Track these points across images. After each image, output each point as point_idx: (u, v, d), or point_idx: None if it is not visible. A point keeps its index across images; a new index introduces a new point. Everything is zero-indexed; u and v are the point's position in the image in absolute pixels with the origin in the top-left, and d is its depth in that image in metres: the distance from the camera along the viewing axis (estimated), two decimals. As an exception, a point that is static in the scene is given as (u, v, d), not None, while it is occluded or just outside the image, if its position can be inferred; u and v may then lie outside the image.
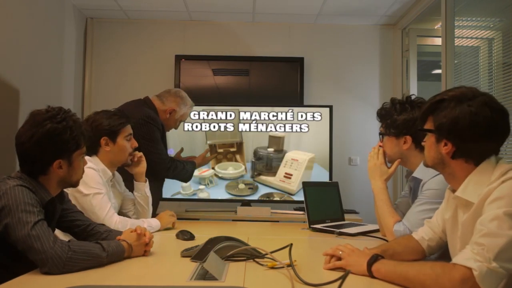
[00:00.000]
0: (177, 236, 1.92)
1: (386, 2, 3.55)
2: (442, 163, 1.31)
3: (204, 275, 1.25)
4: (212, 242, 1.47)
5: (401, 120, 1.91)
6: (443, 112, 1.27)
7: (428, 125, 1.33)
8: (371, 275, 1.26)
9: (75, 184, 1.56)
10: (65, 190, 1.60)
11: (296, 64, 3.91)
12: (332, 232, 2.13)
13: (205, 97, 3.79)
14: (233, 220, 3.07)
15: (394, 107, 1.94)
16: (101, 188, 1.96)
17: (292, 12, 3.79)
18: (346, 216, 2.57)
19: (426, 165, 1.40)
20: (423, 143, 1.40)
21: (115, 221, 1.92)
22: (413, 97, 1.96)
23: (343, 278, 1.16)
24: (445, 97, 1.29)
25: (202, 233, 2.00)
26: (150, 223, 2.12)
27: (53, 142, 1.42)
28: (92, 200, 1.91)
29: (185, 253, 1.51)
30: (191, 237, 1.90)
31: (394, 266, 1.23)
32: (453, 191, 1.33)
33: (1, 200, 1.33)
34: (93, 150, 2.06)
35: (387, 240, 1.94)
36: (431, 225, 1.52)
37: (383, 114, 1.98)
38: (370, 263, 1.27)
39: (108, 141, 2.06)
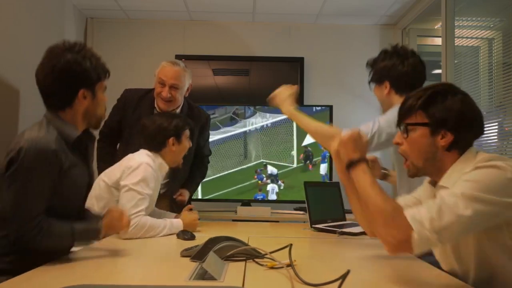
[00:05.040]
0: (178, 235, 1.92)
1: (386, 2, 3.55)
2: (433, 158, 1.28)
3: (203, 275, 1.25)
4: (212, 242, 1.46)
5: (381, 66, 1.97)
6: (442, 105, 1.26)
7: (417, 120, 1.29)
8: (347, 173, 1.35)
9: (99, 119, 1.57)
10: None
11: (296, 64, 3.91)
12: (334, 232, 2.13)
13: (205, 97, 3.79)
14: (233, 220, 3.07)
15: (379, 56, 2.00)
16: (144, 189, 1.95)
17: (292, 12, 3.79)
18: (347, 216, 2.57)
19: (414, 172, 1.33)
20: (405, 137, 1.32)
21: (135, 221, 1.86)
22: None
23: (343, 278, 1.15)
24: (435, 90, 1.29)
25: (202, 233, 2.00)
26: (172, 224, 2.03)
27: (75, 71, 1.44)
28: (124, 195, 1.92)
29: (185, 253, 1.51)
30: (191, 237, 1.89)
31: (366, 183, 1.26)
32: (434, 183, 1.32)
33: (14, 161, 1.32)
34: (156, 148, 2.12)
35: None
36: (413, 195, 1.48)
37: (369, 63, 2.04)
38: (351, 164, 1.33)
39: (175, 141, 2.15)
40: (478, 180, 1.13)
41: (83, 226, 1.45)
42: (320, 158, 3.43)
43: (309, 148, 3.43)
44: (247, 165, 3.44)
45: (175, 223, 2.05)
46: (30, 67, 2.99)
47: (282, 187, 3.41)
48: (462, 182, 1.14)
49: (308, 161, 3.43)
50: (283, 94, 2.05)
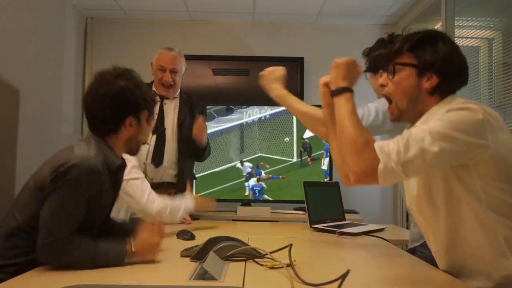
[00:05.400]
0: (177, 235, 1.92)
1: (386, 2, 3.55)
2: (415, 100, 1.30)
3: (204, 275, 1.25)
4: (212, 242, 1.46)
5: (375, 55, 1.99)
6: (431, 48, 1.28)
7: (406, 61, 1.31)
8: (331, 98, 1.37)
9: (140, 146, 1.59)
10: None
11: (296, 64, 3.91)
12: (333, 232, 2.13)
13: (205, 97, 3.78)
14: (233, 220, 3.07)
15: (375, 44, 2.04)
16: (139, 173, 1.94)
17: (292, 12, 3.79)
18: (347, 216, 2.57)
19: (397, 115, 1.34)
20: (390, 78, 1.34)
21: (156, 206, 1.86)
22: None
23: (343, 278, 1.15)
24: (426, 34, 1.31)
25: (202, 233, 2.00)
26: (187, 205, 2.04)
27: (126, 98, 1.47)
28: (129, 186, 1.89)
29: (185, 253, 1.51)
30: (191, 237, 1.89)
31: (346, 111, 1.29)
32: None
33: (63, 175, 1.31)
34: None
35: (388, 240, 1.94)
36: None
37: (365, 52, 2.07)
38: (336, 91, 1.35)
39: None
40: (449, 120, 1.14)
41: (106, 246, 1.35)
42: (323, 152, 3.41)
43: (307, 140, 3.42)
44: (244, 159, 3.44)
45: (189, 201, 2.05)
46: (30, 67, 3.02)
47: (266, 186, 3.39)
48: (433, 121, 1.17)
49: (306, 154, 3.42)
50: (273, 74, 2.01)
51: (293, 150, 3.43)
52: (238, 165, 3.39)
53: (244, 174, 3.39)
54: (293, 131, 3.43)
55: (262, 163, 3.42)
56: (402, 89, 1.31)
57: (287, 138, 3.39)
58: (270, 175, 3.41)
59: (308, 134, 3.38)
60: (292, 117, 3.45)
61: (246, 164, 3.41)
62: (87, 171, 1.34)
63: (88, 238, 1.35)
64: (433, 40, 1.29)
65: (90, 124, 1.51)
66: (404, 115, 1.34)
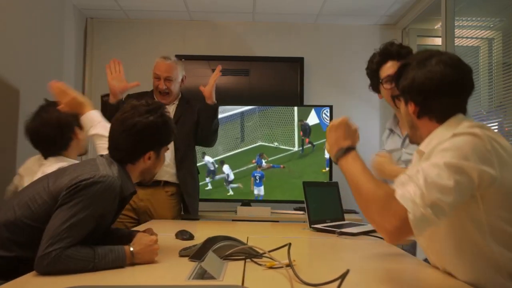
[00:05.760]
0: (176, 235, 1.92)
1: (386, 2, 3.55)
2: (412, 126, 1.34)
3: (203, 275, 1.25)
4: (210, 242, 1.46)
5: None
6: (405, 75, 1.32)
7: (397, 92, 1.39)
8: (336, 163, 1.33)
9: (154, 176, 1.61)
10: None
11: (296, 64, 3.91)
12: (333, 232, 2.12)
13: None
14: (233, 220, 3.07)
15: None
16: None
17: (292, 12, 3.79)
18: (346, 216, 2.56)
19: (410, 139, 1.41)
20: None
21: None
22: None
23: (342, 277, 1.15)
24: (406, 62, 1.34)
25: (202, 233, 2.00)
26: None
27: (152, 134, 1.49)
28: None
29: (183, 252, 1.51)
30: (190, 237, 1.89)
31: (358, 170, 1.23)
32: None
33: (83, 189, 1.30)
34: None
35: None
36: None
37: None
38: (339, 155, 1.31)
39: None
40: (457, 148, 1.11)
41: (104, 250, 1.34)
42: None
43: (305, 122, 3.40)
44: (243, 149, 3.42)
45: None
46: (30, 67, 3.02)
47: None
48: (442, 152, 1.12)
49: (304, 136, 3.40)
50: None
51: (294, 139, 3.42)
52: (202, 157, 3.35)
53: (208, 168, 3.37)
54: (294, 120, 3.42)
55: (263, 153, 3.41)
56: (404, 117, 1.38)
57: (276, 143, 3.39)
58: (271, 165, 3.39)
59: (310, 120, 3.37)
60: (293, 107, 3.44)
61: (207, 157, 3.39)
62: (107, 190, 1.35)
63: (86, 246, 1.32)
64: (407, 67, 1.32)
65: (110, 149, 1.51)
66: (412, 139, 1.39)
